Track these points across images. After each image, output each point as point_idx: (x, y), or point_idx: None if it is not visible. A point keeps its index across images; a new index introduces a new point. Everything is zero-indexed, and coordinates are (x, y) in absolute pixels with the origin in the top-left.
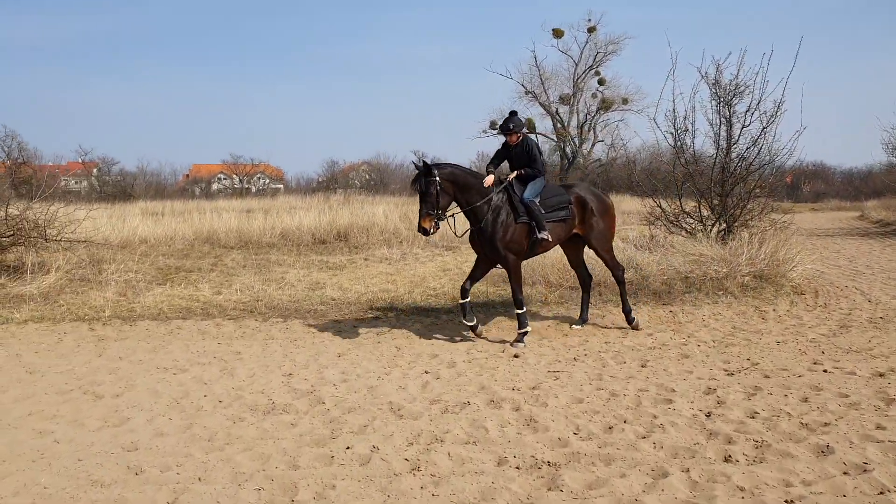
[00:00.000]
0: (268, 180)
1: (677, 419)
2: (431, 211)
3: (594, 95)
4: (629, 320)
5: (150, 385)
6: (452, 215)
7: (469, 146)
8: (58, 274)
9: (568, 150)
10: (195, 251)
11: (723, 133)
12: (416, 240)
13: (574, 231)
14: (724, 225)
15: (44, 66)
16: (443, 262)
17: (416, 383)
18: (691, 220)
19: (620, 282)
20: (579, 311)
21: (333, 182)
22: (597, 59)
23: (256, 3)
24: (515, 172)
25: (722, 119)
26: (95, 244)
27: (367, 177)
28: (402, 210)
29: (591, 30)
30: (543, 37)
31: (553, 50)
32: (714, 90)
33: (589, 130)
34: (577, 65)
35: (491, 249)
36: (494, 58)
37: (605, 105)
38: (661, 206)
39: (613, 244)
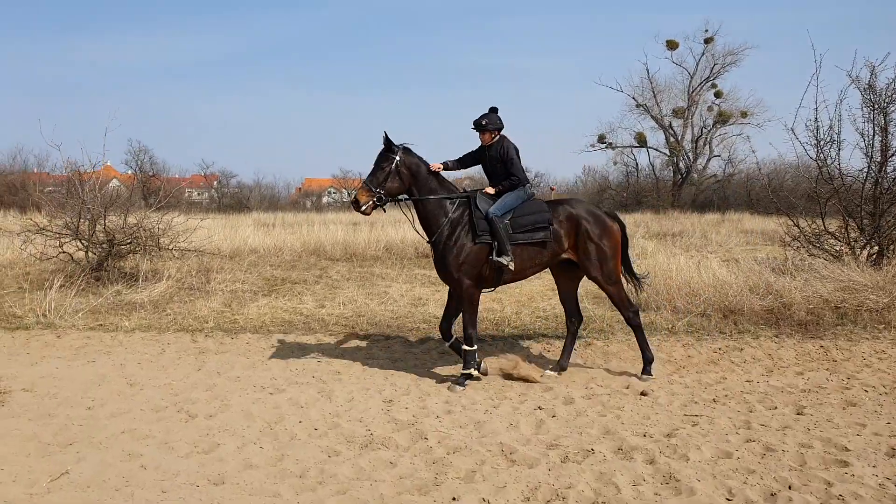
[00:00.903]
0: None
1: (859, 489)
2: (373, 187)
3: (710, 108)
4: (645, 370)
5: (245, 406)
6: (394, 201)
7: (575, 160)
8: (168, 282)
9: (681, 164)
10: (302, 262)
11: (876, 144)
12: None
13: (564, 257)
14: (876, 248)
15: (175, 83)
16: (550, 280)
17: (528, 421)
18: (835, 242)
19: (635, 326)
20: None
21: None
22: (714, 71)
23: (368, 18)
24: (492, 188)
25: (876, 128)
26: (206, 253)
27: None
28: None
29: (708, 41)
30: (656, 48)
31: (666, 62)
32: (867, 96)
33: (704, 145)
34: (692, 77)
35: (442, 271)
36: (603, 70)
37: (722, 118)
38: (798, 226)
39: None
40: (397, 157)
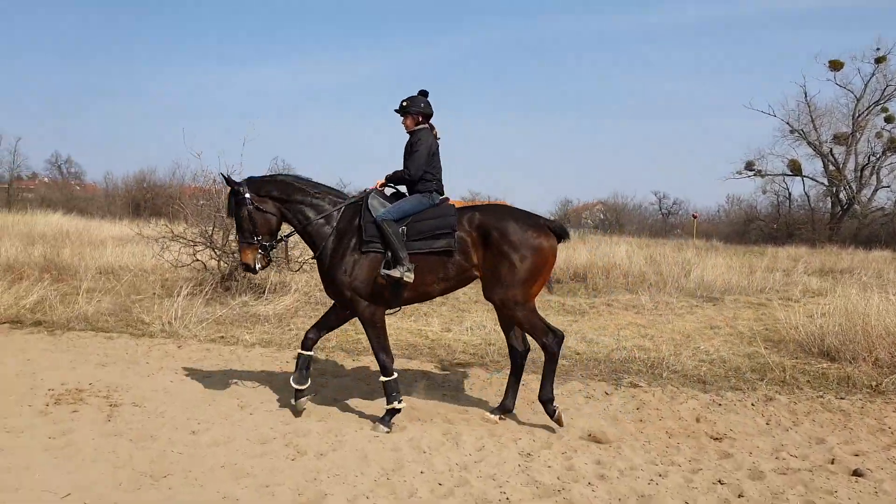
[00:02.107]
0: None
1: None
2: (249, 239)
3: (879, 135)
4: (549, 410)
5: (361, 444)
6: (284, 238)
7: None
8: (295, 296)
9: (842, 195)
10: None
11: None
12: (666, 286)
13: (477, 274)
14: None
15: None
16: (706, 315)
17: (708, 501)
18: None
19: (551, 353)
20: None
21: (566, 221)
22: (885, 93)
23: (499, 45)
24: (379, 180)
25: None
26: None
27: (602, 216)
28: (646, 252)
29: (879, 60)
30: (816, 69)
31: (828, 84)
32: None
33: (871, 175)
34: (858, 100)
35: (330, 289)
36: (753, 93)
37: (893, 146)
38: None
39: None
40: (247, 195)
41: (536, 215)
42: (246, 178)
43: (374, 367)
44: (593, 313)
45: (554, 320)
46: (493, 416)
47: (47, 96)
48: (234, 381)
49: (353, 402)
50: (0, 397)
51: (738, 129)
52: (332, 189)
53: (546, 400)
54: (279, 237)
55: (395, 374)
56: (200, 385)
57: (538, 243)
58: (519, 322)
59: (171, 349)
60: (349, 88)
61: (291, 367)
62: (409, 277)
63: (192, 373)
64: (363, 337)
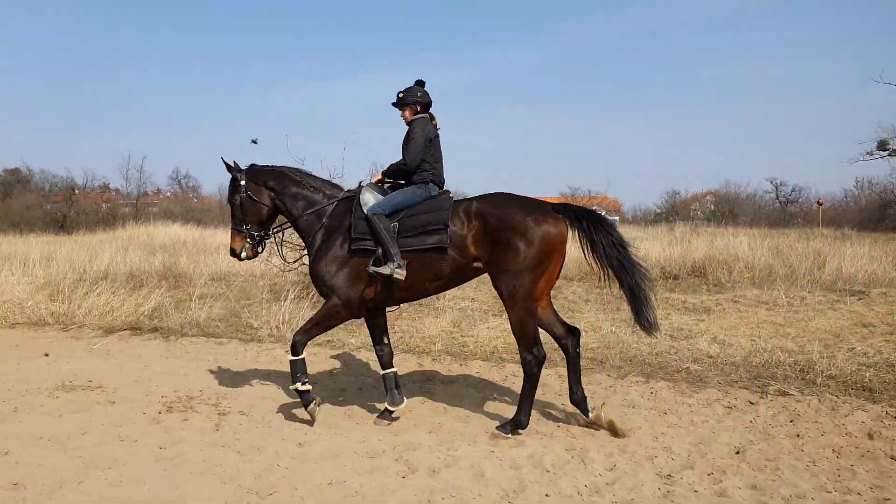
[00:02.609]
0: (603, 212)
1: None
2: (239, 227)
3: None
4: (514, 425)
5: (476, 460)
6: (277, 230)
7: (844, 172)
8: None
9: None
10: None
11: None
12: (798, 279)
13: (476, 266)
14: None
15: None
16: (853, 311)
17: None
18: None
19: (527, 373)
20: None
21: (674, 213)
22: None
23: (595, 39)
24: (377, 175)
25: None
26: None
27: (713, 208)
28: (770, 242)
29: None
30: None
31: None
32: None
33: None
34: None
35: (315, 284)
36: (883, 65)
37: None
38: None
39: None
40: (242, 182)
41: (541, 201)
42: (248, 166)
43: (482, 373)
44: (719, 311)
45: (677, 320)
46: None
47: (168, 115)
48: (341, 387)
49: (464, 412)
50: (118, 404)
51: (865, 106)
52: (331, 183)
53: (518, 424)
54: (271, 229)
55: (302, 356)
56: (319, 384)
57: (543, 229)
58: (512, 320)
59: (278, 354)
60: (452, 90)
61: (399, 371)
62: (400, 275)
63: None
64: (470, 340)
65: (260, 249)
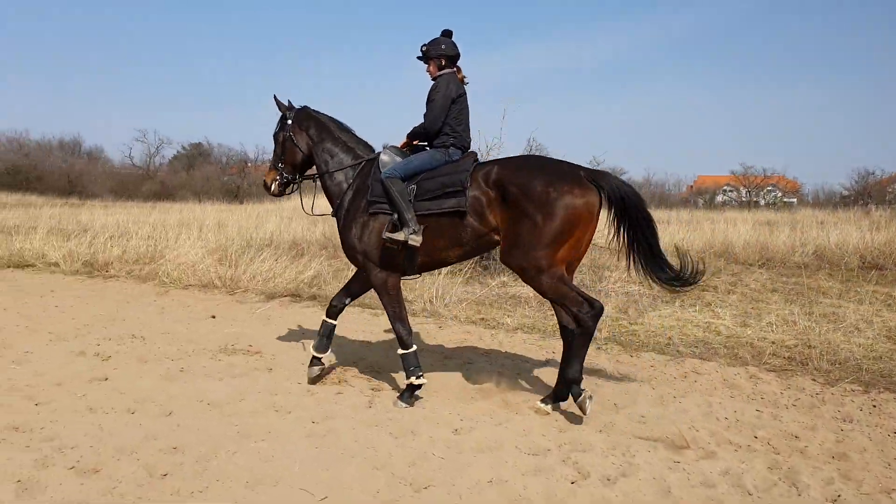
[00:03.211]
0: (779, 193)
1: None
2: (275, 163)
3: None
4: (574, 393)
5: (658, 471)
6: (306, 178)
7: None
8: None
9: None
10: (707, 265)
11: None
12: None
13: (497, 239)
14: None
15: (569, 86)
16: None
17: None
18: None
19: (584, 330)
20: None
21: (865, 196)
22: None
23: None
24: (406, 135)
25: None
26: (596, 246)
27: None
28: None
29: None
30: None
31: None
32: None
33: None
34: None
35: (345, 252)
36: None
37: None
38: None
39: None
40: (289, 122)
41: (572, 165)
42: (300, 107)
43: (657, 367)
44: None
45: (890, 318)
46: (544, 405)
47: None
48: (498, 370)
49: (638, 412)
50: (275, 371)
51: None
52: (366, 144)
53: (572, 379)
54: (301, 175)
55: (414, 347)
56: (462, 373)
57: (568, 200)
58: (543, 292)
59: (431, 330)
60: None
61: (558, 358)
62: (415, 241)
63: (454, 357)
64: (639, 328)
65: (288, 191)
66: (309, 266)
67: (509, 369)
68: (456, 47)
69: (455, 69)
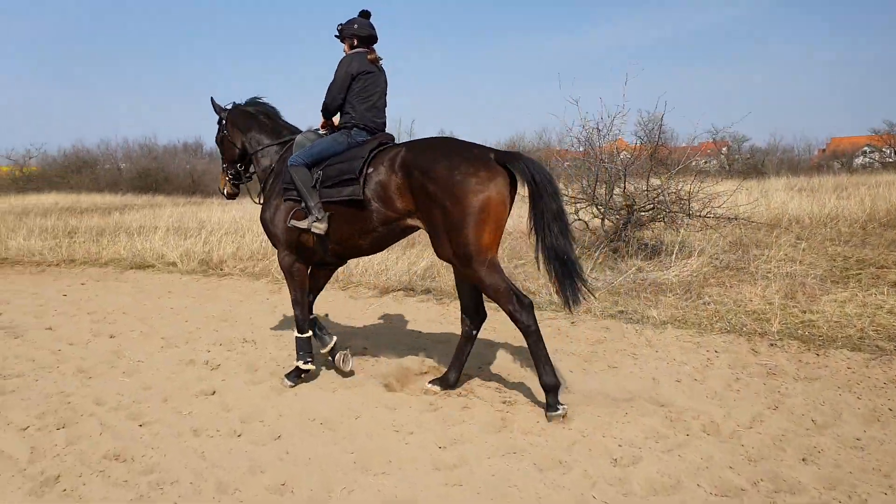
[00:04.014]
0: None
1: None
2: (222, 165)
3: None
4: (549, 404)
5: None
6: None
7: None
8: (700, 259)
9: None
10: (873, 238)
11: None
12: None
13: (410, 223)
14: None
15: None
16: None
17: None
18: None
19: (525, 331)
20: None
21: None
22: None
23: None
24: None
25: None
26: (744, 222)
27: None
28: None
29: None
30: None
31: None
32: None
33: None
34: None
35: (266, 232)
36: None
37: None
38: None
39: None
40: (223, 121)
41: (483, 147)
42: (233, 105)
43: (854, 367)
44: None
45: None
46: (434, 386)
47: (433, 77)
48: (651, 375)
49: (850, 430)
50: (391, 379)
51: None
52: (293, 128)
53: (550, 386)
54: (246, 169)
55: (309, 333)
56: (612, 383)
57: (473, 183)
58: (479, 282)
59: (563, 326)
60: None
61: (725, 360)
62: (319, 229)
63: (594, 361)
64: (818, 318)
65: (237, 189)
66: (421, 257)
67: (665, 375)
68: (370, 28)
69: (367, 49)
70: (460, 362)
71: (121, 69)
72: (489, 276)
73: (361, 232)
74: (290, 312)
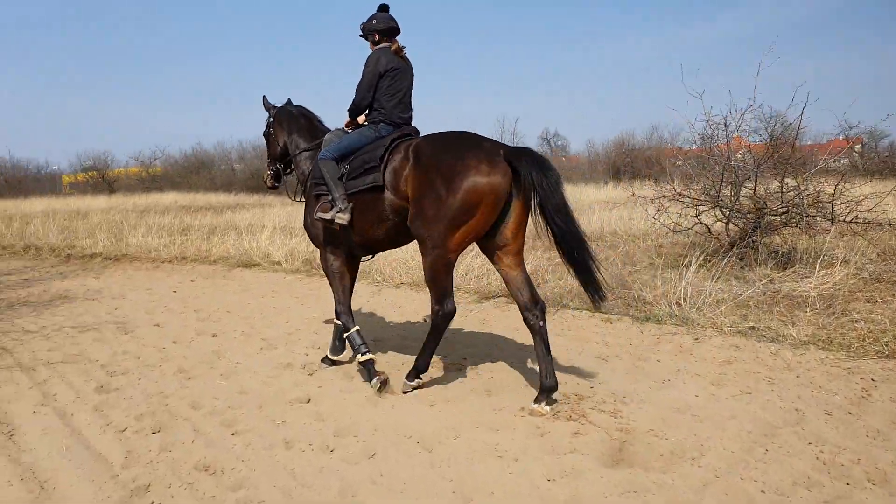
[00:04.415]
0: None
1: None
2: (268, 159)
3: None
4: (414, 371)
5: None
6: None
7: None
8: (845, 269)
9: None
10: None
11: None
12: None
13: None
14: None
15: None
16: None
17: None
18: None
19: (433, 324)
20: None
21: None
22: None
23: None
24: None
25: None
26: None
27: None
28: None
29: None
30: None
31: None
32: None
33: None
34: None
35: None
36: None
37: None
38: None
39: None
40: (271, 118)
41: (495, 142)
42: (281, 105)
43: None
44: None
45: None
46: (540, 406)
47: (538, 78)
48: (798, 410)
49: None
50: (495, 396)
51: None
52: (325, 131)
53: (417, 368)
54: (286, 166)
55: (357, 327)
56: (745, 412)
57: (472, 178)
58: (425, 266)
59: (686, 342)
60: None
61: (886, 394)
62: (342, 219)
63: (725, 385)
64: None
65: (277, 183)
66: (524, 260)
67: (811, 406)
68: (388, 20)
69: (390, 43)
70: (546, 364)
71: (240, 72)
72: (440, 267)
73: (377, 221)
74: (393, 315)
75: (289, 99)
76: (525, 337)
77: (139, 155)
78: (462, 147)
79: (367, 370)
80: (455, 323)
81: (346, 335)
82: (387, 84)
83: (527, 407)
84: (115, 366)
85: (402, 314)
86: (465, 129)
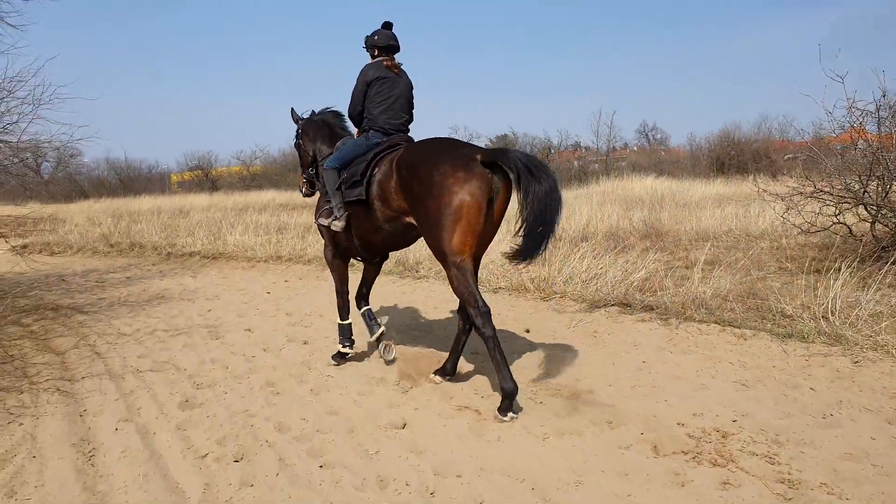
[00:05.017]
0: None
1: None
2: (303, 168)
3: None
4: (503, 405)
5: None
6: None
7: None
8: None
9: None
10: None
11: None
12: None
13: (408, 221)
14: None
15: None
16: None
17: None
18: None
19: (483, 336)
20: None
21: None
22: None
23: None
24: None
25: None
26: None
27: None
28: None
29: None
30: None
31: None
32: None
33: None
34: None
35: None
36: None
37: None
38: None
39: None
40: (299, 129)
41: (473, 147)
42: (309, 115)
43: None
44: None
45: None
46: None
47: (636, 70)
48: (860, 434)
49: None
50: (618, 430)
51: None
52: (347, 133)
53: (508, 392)
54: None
55: (349, 321)
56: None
57: (450, 184)
58: (450, 281)
59: (843, 366)
60: None
61: None
62: (336, 226)
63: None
64: None
65: (313, 190)
66: (637, 265)
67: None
68: (389, 38)
69: (385, 58)
70: (457, 353)
71: (336, 68)
72: (461, 276)
73: (373, 229)
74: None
75: (313, 110)
76: (648, 355)
77: (240, 153)
78: (439, 154)
79: (342, 358)
80: (560, 333)
81: (339, 322)
82: (374, 92)
83: (658, 447)
84: (202, 376)
85: (499, 322)
86: (450, 136)
